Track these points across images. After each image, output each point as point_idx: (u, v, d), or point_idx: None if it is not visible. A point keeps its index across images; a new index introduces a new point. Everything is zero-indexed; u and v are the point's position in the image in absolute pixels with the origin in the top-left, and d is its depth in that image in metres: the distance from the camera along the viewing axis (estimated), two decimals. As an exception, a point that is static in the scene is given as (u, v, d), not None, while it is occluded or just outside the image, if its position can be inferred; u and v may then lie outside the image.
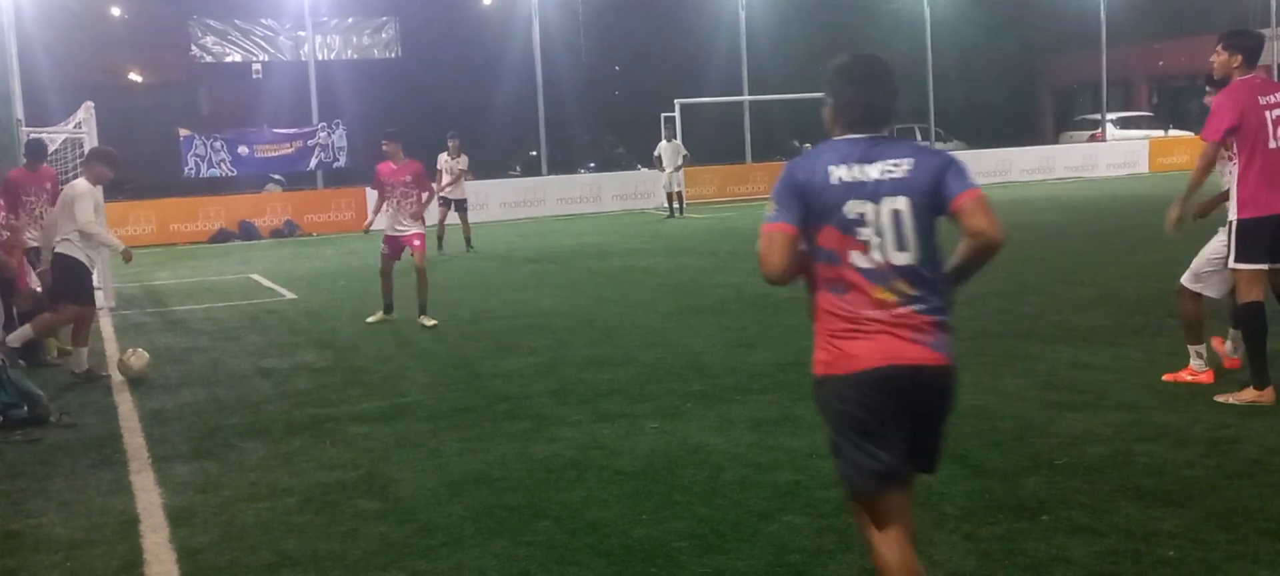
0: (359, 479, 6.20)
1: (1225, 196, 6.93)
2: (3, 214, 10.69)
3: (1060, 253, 15.16)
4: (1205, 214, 7.43)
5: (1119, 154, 35.73)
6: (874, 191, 3.50)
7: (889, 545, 3.63)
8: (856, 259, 3.53)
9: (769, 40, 37.28)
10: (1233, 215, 6.82)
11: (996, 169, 33.54)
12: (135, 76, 43.71)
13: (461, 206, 20.12)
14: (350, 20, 34.27)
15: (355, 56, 35.12)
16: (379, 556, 5.02)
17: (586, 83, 43.10)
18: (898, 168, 3.50)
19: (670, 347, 9.55)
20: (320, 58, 32.20)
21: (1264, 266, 6.80)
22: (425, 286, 11.68)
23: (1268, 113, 6.64)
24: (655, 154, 26.48)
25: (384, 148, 12.14)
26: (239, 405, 8.26)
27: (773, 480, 5.75)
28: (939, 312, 3.53)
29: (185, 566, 5.04)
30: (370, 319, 11.78)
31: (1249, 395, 6.75)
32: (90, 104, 14.47)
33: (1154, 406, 6.78)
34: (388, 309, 11.82)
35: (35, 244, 10.79)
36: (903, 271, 3.49)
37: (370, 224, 12.95)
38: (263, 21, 32.95)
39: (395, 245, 11.85)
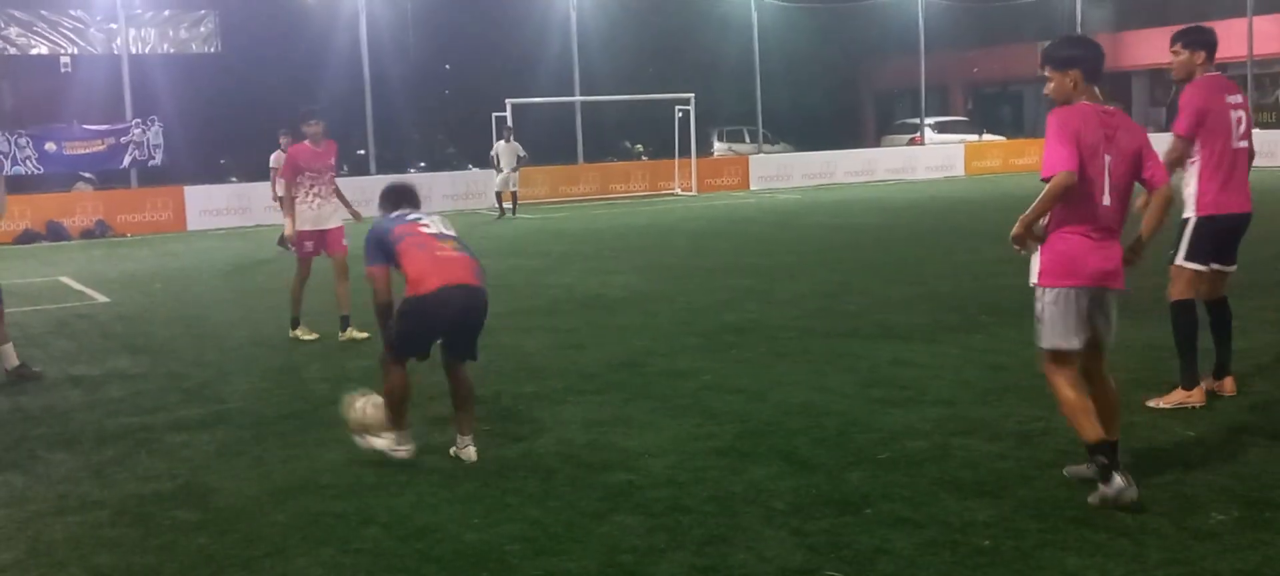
0: (176, 489, 5.96)
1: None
2: None
3: (882, 253, 15.65)
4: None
5: (937, 157, 37.11)
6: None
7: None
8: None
9: (600, 41, 37.46)
10: (1190, 212, 6.65)
11: (821, 171, 34.44)
12: (-69, 67, 41.11)
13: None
14: (166, 13, 32.95)
15: (172, 51, 33.82)
16: (198, 569, 4.83)
17: (416, 80, 42.48)
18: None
19: (501, 349, 9.48)
20: (134, 51, 30.86)
21: (1205, 268, 6.70)
22: (348, 293, 10.34)
23: (1231, 112, 6.58)
24: (492, 154, 26.28)
25: (305, 128, 10.49)
26: (46, 414, 7.85)
27: (604, 480, 5.76)
28: None
29: (-14, 587, 4.76)
30: (304, 336, 10.32)
31: (1177, 397, 6.67)
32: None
33: (970, 401, 7.05)
34: (296, 322, 10.46)
35: None
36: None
37: (292, 229, 10.56)
38: (72, 12, 31.38)
39: (319, 242, 10.47)
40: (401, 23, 39.80)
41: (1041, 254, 5.14)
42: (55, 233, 24.29)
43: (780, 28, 39.20)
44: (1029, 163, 36.77)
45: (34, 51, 32.46)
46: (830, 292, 11.74)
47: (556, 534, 5.05)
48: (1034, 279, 5.19)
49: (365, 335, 9.99)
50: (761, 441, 6.35)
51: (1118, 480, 4.95)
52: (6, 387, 8.79)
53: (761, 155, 36.64)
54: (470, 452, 6.27)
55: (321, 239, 10.49)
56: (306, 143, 10.48)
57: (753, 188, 33.01)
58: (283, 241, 19.16)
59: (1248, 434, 6.16)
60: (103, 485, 6.09)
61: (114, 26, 30.23)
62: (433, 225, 6.45)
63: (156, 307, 13.08)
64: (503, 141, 25.72)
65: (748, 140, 42.02)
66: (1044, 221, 5.13)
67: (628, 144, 44.18)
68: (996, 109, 51.26)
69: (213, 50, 34.65)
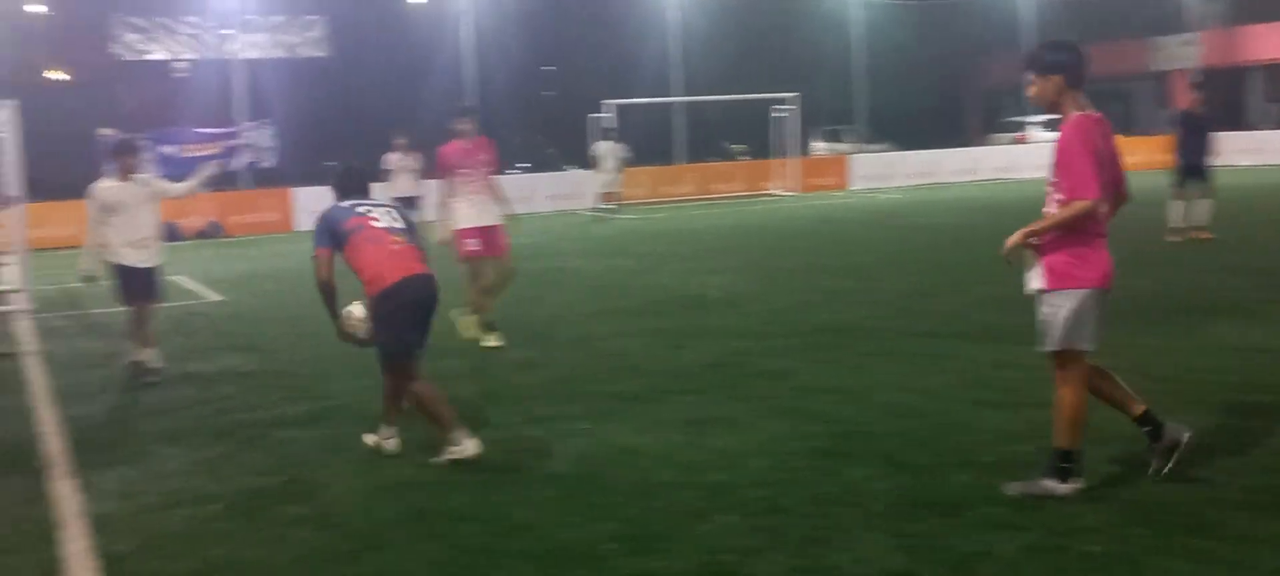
0: (284, 484, 6.11)
1: None
2: None
3: (984, 252, 15.37)
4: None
5: (1042, 156, 36.28)
6: None
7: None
8: None
9: (700, 41, 37.47)
10: None
11: (924, 170, 33.97)
12: (55, 75, 42.75)
13: (413, 205, 19.87)
14: (277, 18, 33.85)
15: (282, 55, 34.71)
16: (305, 562, 4.95)
17: (518, 82, 42.96)
18: None
19: (600, 349, 9.54)
20: (247, 56, 31.73)
21: None
22: (500, 294, 10.12)
23: None
24: (592, 153, 26.42)
25: (456, 126, 10.14)
26: (161, 410, 8.11)
27: (703, 480, 5.77)
28: None
29: (107, 574, 4.94)
30: (493, 342, 9.87)
31: None
32: (15, 103, 14.10)
33: (1075, 404, 6.88)
34: (491, 326, 10.00)
35: None
36: None
37: (441, 226, 10.23)
38: (187, 19, 32.39)
39: (483, 239, 10.00)
40: (503, 25, 40.26)
41: (1053, 258, 5.08)
42: (170, 233, 25.05)
43: (883, 25, 38.82)
44: (1137, 161, 35.85)
45: (152, 57, 33.58)
46: (930, 293, 11.58)
47: (654, 533, 5.07)
48: (1040, 284, 5.13)
49: (500, 343, 9.88)
50: (859, 442, 6.29)
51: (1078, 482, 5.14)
52: (125, 383, 9.11)
53: (863, 154, 36.28)
54: (394, 443, 6.51)
55: (485, 237, 10.03)
56: (458, 140, 10.11)
57: (853, 187, 32.70)
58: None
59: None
60: (214, 479, 6.27)
61: (228, 32, 31.11)
62: (382, 218, 6.56)
63: (266, 307, 13.42)
64: (606, 142, 25.83)
65: (848, 139, 41.65)
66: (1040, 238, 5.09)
67: (728, 144, 44.08)
68: (1104, 106, 49.79)
69: (322, 55, 35.47)
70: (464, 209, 10.01)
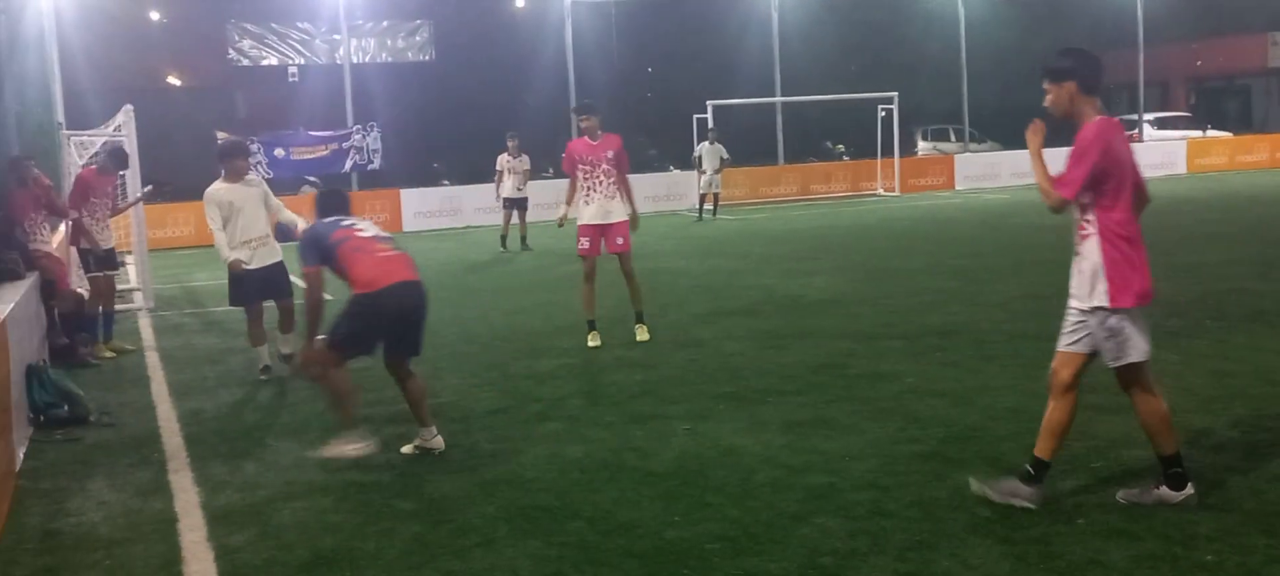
0: (394, 479, 6.24)
1: None
2: (75, 211, 10.97)
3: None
4: None
5: (1156, 154, 35.40)
6: None
7: None
8: None
9: (801, 40, 37.21)
10: None
11: (1030, 170, 33.23)
12: (174, 80, 44.12)
13: (522, 206, 20.11)
14: (384, 23, 34.50)
15: (389, 59, 35.37)
16: (414, 555, 5.05)
17: (618, 84, 43.15)
18: None
19: (701, 349, 9.54)
20: (355, 60, 32.40)
21: None
22: (637, 289, 10.22)
23: None
24: (695, 155, 26.44)
25: (581, 123, 10.19)
26: (276, 405, 8.33)
27: (805, 482, 5.74)
28: None
29: (223, 564, 5.10)
30: (592, 342, 9.90)
31: None
32: (130, 107, 14.64)
33: (1191, 410, 6.72)
34: (591, 325, 10.05)
35: (103, 246, 11.09)
36: None
37: (564, 217, 10.54)
38: (299, 25, 33.20)
39: (597, 237, 10.00)
40: (606, 28, 40.51)
41: (1114, 276, 4.99)
42: (283, 233, 25.66)
43: (987, 21, 38.09)
44: (1257, 160, 34.70)
45: (265, 62, 34.49)
46: (1040, 294, 11.34)
47: (756, 534, 5.06)
48: (1104, 301, 5.02)
49: (647, 337, 10.05)
50: (967, 446, 6.21)
51: (1191, 488, 5.07)
52: (241, 379, 9.38)
53: (967, 154, 35.68)
54: (438, 440, 6.65)
55: (601, 234, 10.01)
56: (584, 137, 10.12)
57: (958, 187, 32.21)
58: (504, 241, 19.85)
59: None
60: (326, 472, 6.42)
61: (337, 37, 31.81)
62: (367, 228, 6.78)
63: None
64: (706, 143, 25.82)
65: (953, 139, 41.01)
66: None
67: (829, 144, 43.72)
68: (1221, 103, 48.55)
69: (427, 58, 36.06)
70: (584, 206, 10.08)
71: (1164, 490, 5.08)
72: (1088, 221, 5.08)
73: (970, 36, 36.27)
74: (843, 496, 5.48)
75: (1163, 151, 35.71)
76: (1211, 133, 39.71)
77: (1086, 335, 5.11)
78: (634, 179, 10.69)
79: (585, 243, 10.04)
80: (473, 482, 6.07)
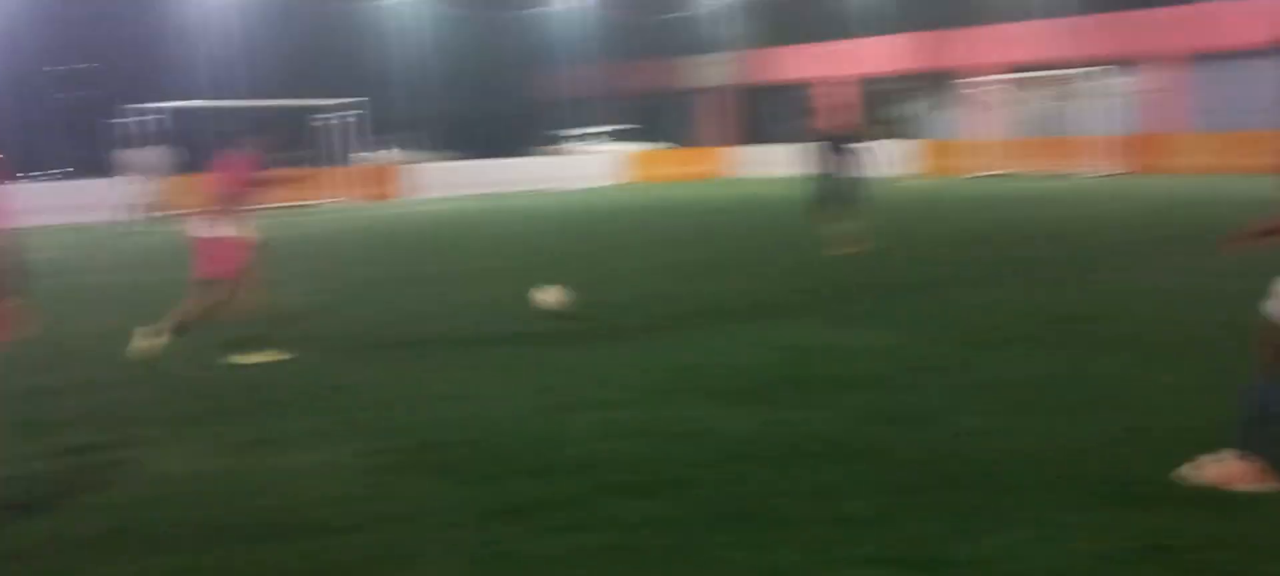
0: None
1: None
2: None
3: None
4: None
5: (582, 168, 37.42)
6: None
7: None
8: None
9: (254, 45, 35.65)
10: None
11: (483, 179, 34.21)
12: None
13: None
14: None
15: None
16: None
17: (33, 83, 38.91)
18: None
19: (138, 368, 8.64)
20: None
21: None
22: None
23: None
24: (123, 161, 24.26)
25: None
26: None
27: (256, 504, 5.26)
28: None
29: None
30: None
31: None
32: None
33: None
34: None
35: None
36: None
37: None
38: None
39: None
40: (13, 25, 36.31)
41: None
42: None
43: (446, 38, 38.63)
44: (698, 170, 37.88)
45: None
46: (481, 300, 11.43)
47: None
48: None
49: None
50: (431, 454, 6.01)
51: None
52: None
53: (416, 164, 36.00)
54: None
55: None
56: None
57: (408, 197, 32.33)
58: None
59: None
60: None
61: None
62: None
63: None
64: (140, 148, 23.88)
65: (405, 148, 41.17)
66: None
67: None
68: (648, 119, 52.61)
69: None
70: None
71: None
72: None
73: (425, 48, 36.62)
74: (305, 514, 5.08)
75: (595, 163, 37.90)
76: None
77: None
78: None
79: None
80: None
